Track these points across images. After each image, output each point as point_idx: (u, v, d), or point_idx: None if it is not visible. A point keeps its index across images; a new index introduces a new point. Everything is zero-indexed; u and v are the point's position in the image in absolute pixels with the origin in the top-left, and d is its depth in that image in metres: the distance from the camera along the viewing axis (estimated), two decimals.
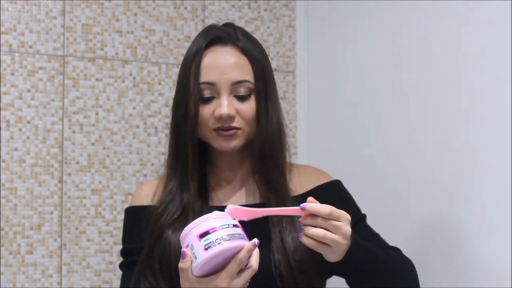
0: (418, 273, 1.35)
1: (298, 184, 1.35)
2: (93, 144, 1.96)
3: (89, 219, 1.94)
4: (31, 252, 1.89)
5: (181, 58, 1.36)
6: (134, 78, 2.02)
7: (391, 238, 1.38)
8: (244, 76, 1.27)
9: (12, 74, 1.89)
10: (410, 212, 1.70)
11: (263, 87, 1.29)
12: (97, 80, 1.98)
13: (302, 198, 1.25)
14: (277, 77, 2.16)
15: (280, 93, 2.16)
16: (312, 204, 1.10)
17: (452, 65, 1.59)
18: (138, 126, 2.01)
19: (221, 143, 1.27)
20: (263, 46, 1.36)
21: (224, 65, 1.26)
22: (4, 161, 1.87)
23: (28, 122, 1.90)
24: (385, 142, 1.81)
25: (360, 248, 1.18)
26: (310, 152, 2.15)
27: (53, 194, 1.92)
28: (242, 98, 1.27)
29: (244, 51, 1.28)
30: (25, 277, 1.87)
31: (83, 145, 1.95)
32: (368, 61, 1.89)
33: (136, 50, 2.03)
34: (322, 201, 1.13)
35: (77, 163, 1.94)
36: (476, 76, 1.52)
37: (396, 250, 1.36)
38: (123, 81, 2.01)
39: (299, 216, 1.12)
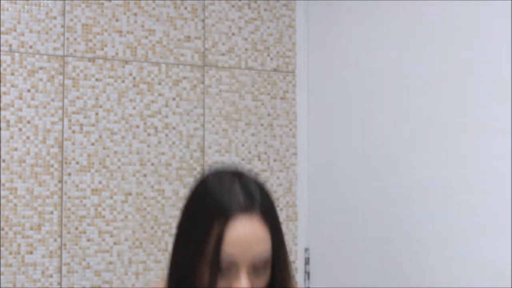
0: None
1: None
2: (93, 144, 1.96)
3: (89, 219, 1.94)
4: (31, 252, 1.88)
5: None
6: (134, 78, 2.02)
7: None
8: (265, 251, 1.21)
9: (12, 74, 1.89)
10: (409, 210, 1.70)
11: (280, 257, 1.25)
12: (97, 80, 1.98)
13: None
14: (277, 77, 2.16)
15: (280, 93, 2.17)
16: None
17: (452, 65, 1.59)
18: (138, 126, 2.01)
19: None
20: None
21: (249, 241, 1.20)
22: (4, 161, 1.87)
23: (28, 122, 1.90)
24: (385, 141, 1.81)
25: None
26: (310, 152, 2.15)
27: (53, 194, 1.92)
28: (258, 273, 1.22)
29: (266, 219, 1.23)
30: (25, 277, 1.87)
31: (83, 145, 1.95)
32: (368, 61, 1.89)
33: (136, 50, 2.03)
34: None
35: (77, 163, 1.94)
36: (477, 75, 1.52)
37: None
38: (123, 81, 2.01)
39: None
